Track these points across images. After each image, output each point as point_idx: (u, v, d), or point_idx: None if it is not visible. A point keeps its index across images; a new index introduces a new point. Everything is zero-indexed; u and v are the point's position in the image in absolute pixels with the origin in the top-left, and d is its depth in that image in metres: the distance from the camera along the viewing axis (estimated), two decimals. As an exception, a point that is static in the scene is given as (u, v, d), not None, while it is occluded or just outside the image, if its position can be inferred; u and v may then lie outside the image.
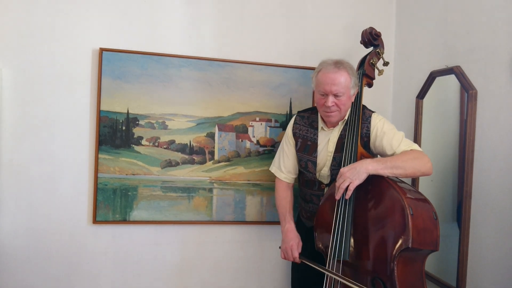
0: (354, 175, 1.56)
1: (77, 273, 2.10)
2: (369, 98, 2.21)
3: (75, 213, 2.08)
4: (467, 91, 1.76)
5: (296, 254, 1.79)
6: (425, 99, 2.07)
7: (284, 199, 1.96)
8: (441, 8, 2.01)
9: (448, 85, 1.90)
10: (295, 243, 1.80)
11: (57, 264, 2.07)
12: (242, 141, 2.24)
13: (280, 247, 1.89)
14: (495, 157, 1.67)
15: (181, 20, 2.16)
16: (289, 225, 1.86)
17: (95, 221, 2.08)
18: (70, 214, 2.07)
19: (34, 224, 2.04)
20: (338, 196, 1.59)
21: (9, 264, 2.03)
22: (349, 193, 1.56)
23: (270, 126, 2.26)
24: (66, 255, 2.08)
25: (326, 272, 1.60)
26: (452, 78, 1.86)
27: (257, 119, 2.24)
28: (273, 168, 2.03)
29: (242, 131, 2.23)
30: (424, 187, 2.04)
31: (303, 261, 1.75)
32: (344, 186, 1.56)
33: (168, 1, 2.14)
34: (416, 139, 2.09)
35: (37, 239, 2.04)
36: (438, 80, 1.97)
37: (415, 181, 2.09)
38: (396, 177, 1.63)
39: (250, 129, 2.24)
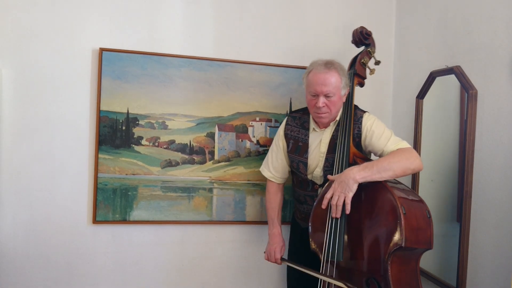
0: (345, 188, 1.54)
1: (77, 273, 2.10)
2: (368, 98, 2.21)
3: (75, 213, 2.08)
4: (467, 91, 1.76)
5: (278, 256, 1.92)
6: (425, 99, 2.07)
7: (274, 202, 2.01)
8: (441, 8, 2.01)
9: (448, 85, 1.90)
10: (278, 247, 1.94)
11: (57, 264, 2.07)
12: (242, 141, 2.24)
13: (264, 252, 2.00)
14: (495, 157, 1.67)
15: (181, 20, 2.16)
16: (276, 230, 1.97)
17: (95, 221, 2.08)
18: (70, 214, 2.07)
19: (33, 224, 2.03)
20: (338, 214, 1.56)
21: (9, 264, 2.02)
22: (348, 207, 1.54)
23: (270, 126, 2.26)
24: (66, 255, 2.08)
25: (308, 272, 1.66)
26: (452, 78, 1.86)
27: (257, 119, 2.24)
28: (261, 167, 2.06)
29: (242, 131, 2.23)
30: (424, 187, 2.04)
31: (285, 263, 1.91)
32: (340, 203, 1.55)
33: (168, 1, 2.13)
34: (416, 139, 2.09)
35: (37, 239, 2.04)
36: (438, 80, 1.97)
37: (414, 180, 2.09)
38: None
39: (250, 129, 2.24)
